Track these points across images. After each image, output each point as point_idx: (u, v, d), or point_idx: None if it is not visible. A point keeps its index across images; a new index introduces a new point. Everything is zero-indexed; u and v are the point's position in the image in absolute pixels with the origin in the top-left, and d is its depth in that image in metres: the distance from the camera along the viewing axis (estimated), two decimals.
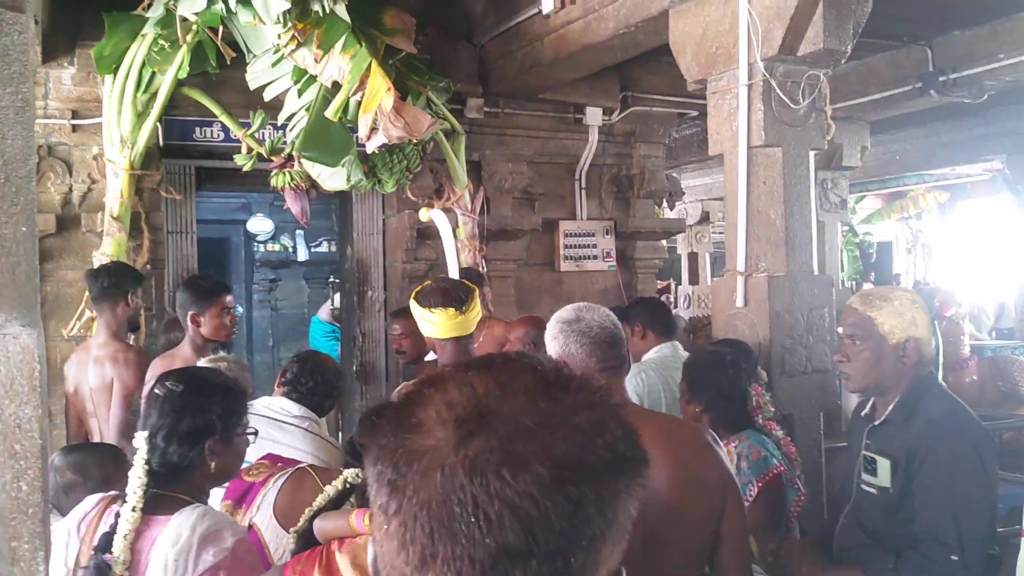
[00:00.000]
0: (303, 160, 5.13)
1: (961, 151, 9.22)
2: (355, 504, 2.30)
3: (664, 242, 7.58)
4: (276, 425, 3.08)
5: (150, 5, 4.73)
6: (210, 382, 2.24)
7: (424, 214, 5.84)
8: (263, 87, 5.02)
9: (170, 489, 2.06)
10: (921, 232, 15.27)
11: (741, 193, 3.96)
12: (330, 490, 2.37)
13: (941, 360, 5.96)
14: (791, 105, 3.90)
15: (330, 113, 4.67)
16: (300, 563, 2.01)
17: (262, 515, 2.54)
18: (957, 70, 6.06)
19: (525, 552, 0.72)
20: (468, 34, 6.19)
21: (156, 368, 3.82)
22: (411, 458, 0.77)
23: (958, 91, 6.19)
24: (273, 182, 5.30)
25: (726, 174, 4.13)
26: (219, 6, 4.37)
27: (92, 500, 2.13)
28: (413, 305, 3.26)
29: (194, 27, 4.63)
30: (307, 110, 4.92)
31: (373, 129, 4.53)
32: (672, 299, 10.77)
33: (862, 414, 2.73)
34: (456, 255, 5.74)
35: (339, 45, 4.49)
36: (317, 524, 2.22)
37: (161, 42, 4.71)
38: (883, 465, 2.47)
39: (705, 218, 10.79)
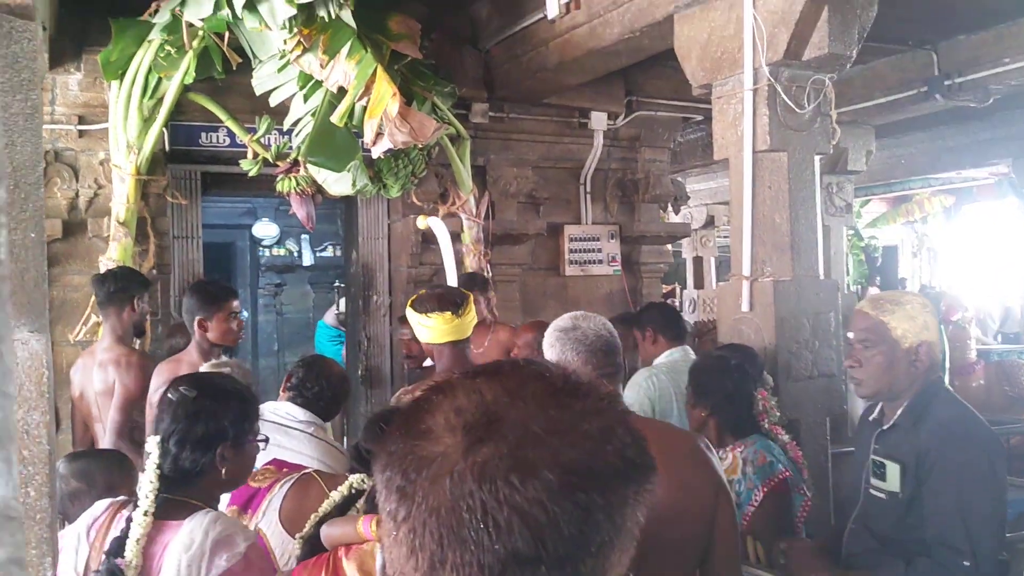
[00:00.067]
0: (309, 165, 5.14)
1: (967, 155, 9.21)
2: (361, 510, 2.31)
3: (669, 246, 7.57)
4: (281, 430, 3.07)
5: (156, 11, 4.74)
6: (223, 388, 2.24)
7: (422, 222, 5.84)
8: (269, 92, 5.03)
9: (181, 494, 2.06)
10: (927, 236, 15.26)
11: (746, 198, 3.96)
12: (336, 496, 2.37)
13: (948, 364, 5.95)
14: (796, 110, 3.90)
15: (336, 118, 4.68)
16: (307, 569, 2.01)
17: (268, 520, 2.54)
18: (963, 74, 6.05)
19: (534, 558, 0.72)
20: (473, 39, 6.19)
21: (162, 372, 3.83)
22: (420, 464, 0.77)
23: (963, 95, 6.18)
24: (279, 187, 5.31)
25: (731, 179, 4.13)
26: (225, 12, 4.38)
27: (102, 505, 2.13)
28: (410, 312, 3.31)
29: (200, 33, 4.64)
30: (313, 115, 4.93)
31: (379, 134, 4.54)
32: (677, 303, 10.76)
33: (870, 419, 2.71)
34: (455, 263, 5.74)
35: (345, 50, 4.50)
36: (324, 530, 2.22)
37: (167, 48, 4.73)
38: (892, 469, 2.46)
39: (710, 222, 10.79)
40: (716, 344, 4.18)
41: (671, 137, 7.15)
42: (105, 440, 3.89)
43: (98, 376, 4.01)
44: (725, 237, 10.00)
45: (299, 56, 4.56)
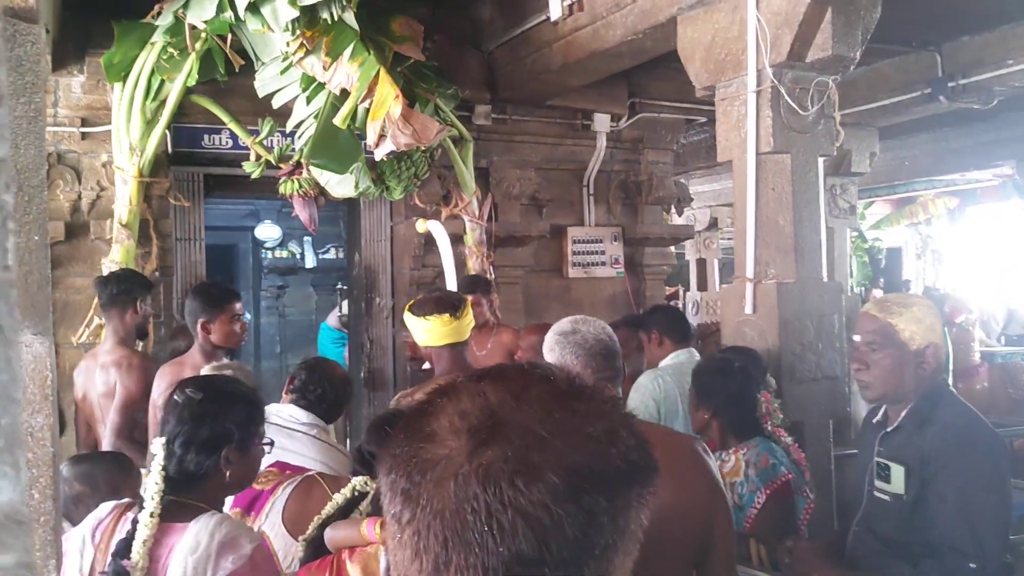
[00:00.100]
0: (311, 167, 5.14)
1: (971, 157, 9.19)
2: (364, 512, 2.30)
3: (672, 248, 7.56)
4: (284, 432, 3.07)
5: (159, 13, 4.75)
6: (229, 391, 2.24)
7: (421, 225, 5.85)
8: (272, 94, 5.03)
9: (186, 496, 2.06)
10: (931, 238, 15.24)
11: (750, 200, 3.95)
12: (339, 498, 2.37)
13: (952, 367, 5.94)
14: (800, 111, 3.89)
15: (338, 120, 4.68)
16: (311, 572, 2.01)
17: (271, 523, 2.54)
18: (966, 76, 6.04)
19: (538, 561, 0.73)
20: (476, 41, 6.19)
21: (165, 375, 3.83)
22: (424, 467, 0.78)
23: (967, 97, 6.17)
24: (282, 189, 5.31)
25: (735, 181, 4.12)
26: (228, 14, 4.39)
27: (107, 507, 2.13)
28: (408, 317, 3.36)
29: (203, 35, 4.64)
30: (315, 117, 4.93)
31: (381, 136, 4.54)
32: (681, 305, 10.75)
33: (873, 421, 2.71)
34: (454, 266, 5.74)
35: (347, 52, 4.50)
36: (328, 533, 2.21)
37: (170, 50, 4.73)
38: (897, 471, 2.45)
39: (713, 224, 10.78)
40: (719, 346, 4.17)
41: (674, 139, 7.14)
42: (104, 441, 3.90)
43: (100, 378, 4.02)
44: (728, 239, 9.99)
45: (302, 58, 4.56)
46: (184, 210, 5.46)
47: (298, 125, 5.09)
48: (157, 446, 2.09)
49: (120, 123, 4.89)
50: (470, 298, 4.96)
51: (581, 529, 0.74)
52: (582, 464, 0.76)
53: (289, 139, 5.32)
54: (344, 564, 1.95)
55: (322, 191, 5.37)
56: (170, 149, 5.27)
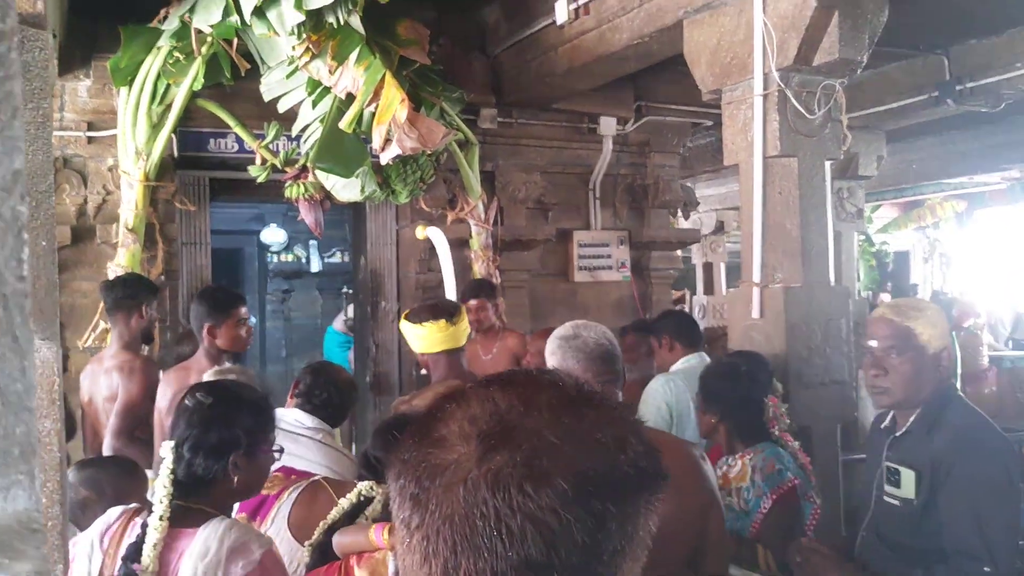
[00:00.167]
0: (317, 171, 5.14)
1: (978, 160, 9.17)
2: (370, 517, 2.30)
3: (679, 252, 7.54)
4: (290, 437, 3.07)
5: (165, 18, 4.76)
6: (239, 397, 2.23)
7: (420, 232, 5.84)
8: (277, 98, 5.04)
9: (195, 501, 2.05)
10: (938, 241, 15.19)
11: (757, 204, 3.94)
12: (344, 503, 2.36)
13: (960, 371, 5.91)
14: (807, 115, 3.88)
15: (344, 124, 4.68)
16: None
17: (276, 528, 2.53)
18: (974, 79, 6.02)
19: (547, 566, 0.73)
20: (482, 45, 6.20)
21: (170, 380, 3.83)
22: (434, 472, 0.78)
23: (975, 100, 6.15)
24: (287, 193, 5.31)
25: (741, 185, 4.11)
26: (234, 18, 4.39)
27: (115, 512, 2.13)
28: (404, 325, 3.43)
29: (209, 39, 4.65)
30: (321, 121, 4.93)
31: (387, 140, 4.54)
32: (687, 309, 10.74)
33: (881, 426, 2.68)
34: (453, 273, 5.73)
35: (353, 57, 4.50)
36: (336, 538, 2.21)
37: (176, 54, 4.74)
38: (907, 476, 2.44)
39: (720, 228, 10.76)
40: (726, 351, 4.17)
41: (680, 142, 7.13)
42: (104, 443, 3.90)
43: (104, 382, 4.03)
44: (735, 242, 9.98)
45: (308, 62, 4.56)
46: (190, 214, 5.46)
47: (304, 129, 5.10)
48: (166, 450, 2.09)
49: (126, 127, 4.90)
50: (475, 302, 5.01)
51: (590, 534, 0.74)
52: (591, 469, 0.76)
53: (295, 143, 5.32)
54: (352, 570, 1.95)
55: (328, 195, 5.37)
56: (176, 153, 5.28)
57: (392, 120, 4.45)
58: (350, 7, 4.30)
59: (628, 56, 5.03)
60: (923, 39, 6.00)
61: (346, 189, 5.32)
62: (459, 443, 0.78)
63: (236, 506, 2.62)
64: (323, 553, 2.34)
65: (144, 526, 1.99)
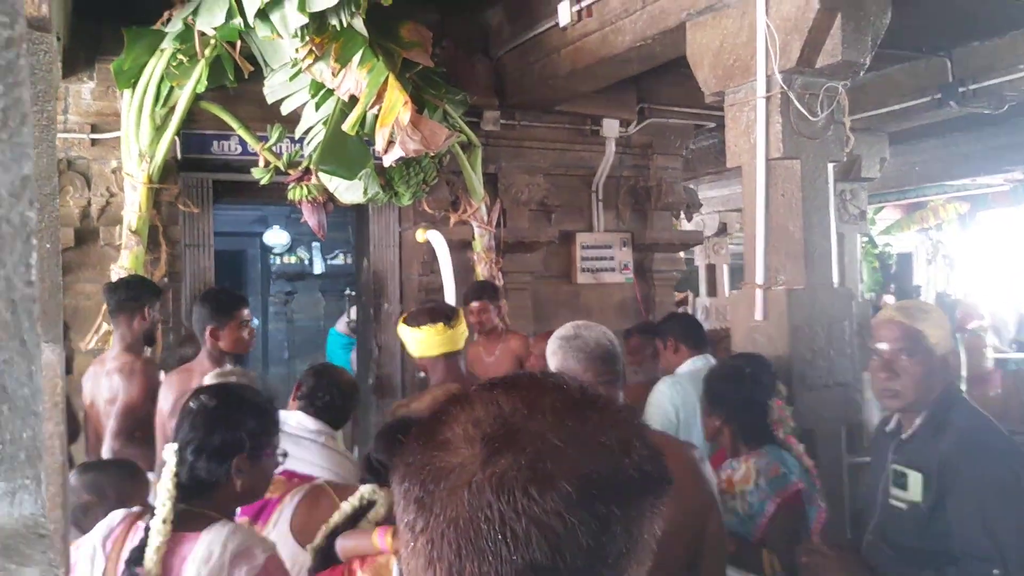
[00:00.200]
0: (320, 173, 5.15)
1: (981, 161, 9.16)
2: (372, 521, 2.29)
3: (682, 254, 7.54)
4: (292, 440, 3.06)
5: (169, 20, 4.77)
6: (244, 400, 2.23)
7: (420, 235, 5.84)
8: (280, 101, 5.04)
9: (197, 504, 2.05)
10: (941, 243, 15.15)
11: (759, 206, 3.93)
12: (347, 507, 2.36)
13: (964, 373, 5.90)
14: (809, 117, 3.87)
15: (347, 127, 4.68)
16: None
17: (279, 531, 2.53)
18: (977, 81, 6.01)
19: (551, 569, 0.73)
20: (485, 47, 6.20)
21: (172, 382, 3.83)
22: (438, 476, 0.78)
23: (978, 102, 6.15)
24: (290, 195, 5.32)
25: (744, 187, 4.10)
26: (237, 20, 4.39)
27: (117, 515, 2.12)
28: (402, 329, 3.44)
29: (212, 41, 4.66)
30: (324, 124, 4.94)
31: (390, 142, 4.54)
32: (690, 311, 10.72)
33: (886, 430, 2.67)
34: (453, 276, 5.73)
35: (356, 59, 4.51)
36: (339, 542, 2.21)
37: (179, 56, 4.75)
38: (914, 479, 2.42)
39: (723, 230, 10.75)
40: (729, 353, 4.16)
41: (683, 144, 7.13)
42: (104, 444, 3.90)
43: (105, 384, 4.03)
44: (738, 244, 9.97)
45: (311, 64, 4.56)
46: (193, 216, 5.46)
47: (307, 131, 5.10)
48: (169, 452, 2.08)
49: (130, 129, 4.90)
50: (477, 304, 5.01)
51: (594, 538, 0.74)
52: (595, 473, 0.76)
53: (298, 145, 5.33)
54: (355, 573, 1.95)
55: (331, 197, 5.38)
56: (179, 155, 5.28)
57: (395, 122, 4.45)
58: (353, 9, 4.30)
59: (631, 58, 5.03)
60: (926, 41, 6.00)
61: (349, 191, 5.32)
62: (463, 446, 0.78)
63: (238, 510, 2.62)
64: (325, 557, 2.34)
65: (147, 529, 1.98)
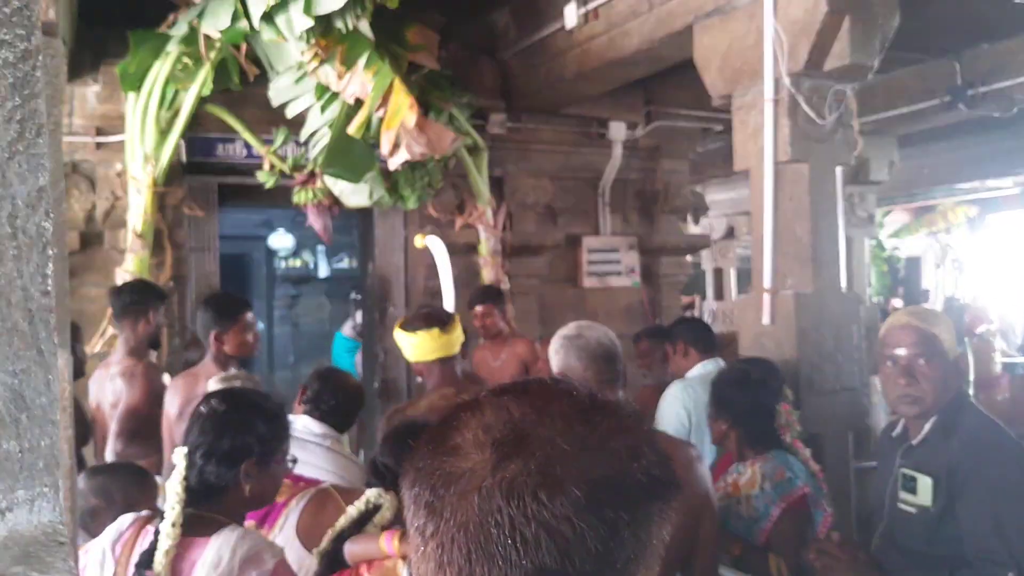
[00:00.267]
0: (325, 176, 5.14)
1: (991, 164, 9.14)
2: (378, 525, 2.28)
3: (689, 257, 7.52)
4: (298, 444, 3.04)
5: (174, 23, 4.77)
6: (254, 405, 2.22)
7: (419, 241, 5.84)
8: (286, 104, 5.04)
9: (206, 509, 2.04)
10: (950, 247, 15.11)
11: (767, 210, 3.92)
12: (353, 511, 2.35)
13: (972, 377, 5.87)
14: (817, 120, 3.86)
15: (353, 130, 4.68)
16: None
17: (285, 536, 2.52)
18: (986, 83, 6.01)
19: (561, 573, 0.73)
20: (491, 49, 6.19)
21: (178, 386, 3.82)
22: (448, 480, 0.79)
23: (987, 105, 6.14)
24: (296, 199, 5.32)
25: (752, 190, 4.09)
26: (243, 23, 4.39)
27: (127, 519, 2.11)
28: (398, 333, 3.46)
29: (217, 44, 4.65)
30: (330, 127, 4.93)
31: (396, 146, 4.54)
32: (697, 315, 10.70)
33: (893, 435, 2.65)
34: (452, 282, 5.72)
35: (362, 62, 4.50)
36: (347, 547, 2.20)
37: (185, 59, 4.74)
38: (924, 483, 2.41)
39: (730, 233, 10.74)
40: (736, 356, 4.15)
41: (690, 147, 7.12)
42: (107, 447, 3.91)
43: (109, 388, 4.03)
44: (746, 247, 9.95)
45: (316, 67, 4.56)
46: (198, 220, 5.46)
47: (312, 134, 5.10)
48: (179, 456, 2.08)
49: (135, 133, 4.90)
50: (481, 308, 5.00)
51: (603, 542, 0.74)
52: (604, 478, 0.76)
53: (303, 148, 5.32)
54: None
55: (336, 200, 5.37)
56: (184, 159, 5.28)
57: (401, 125, 4.45)
58: (359, 12, 4.29)
59: (638, 61, 5.03)
60: (934, 43, 5.98)
61: (354, 194, 5.32)
62: (473, 451, 0.79)
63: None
64: (331, 561, 2.33)
65: (157, 533, 1.97)
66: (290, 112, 5.07)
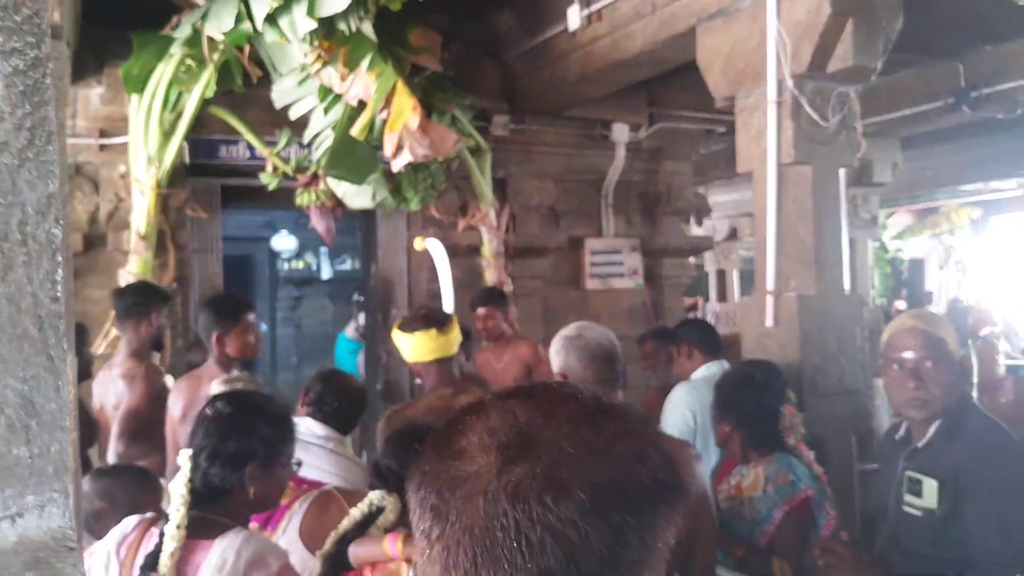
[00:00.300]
0: (328, 178, 5.14)
1: (994, 166, 9.13)
2: (381, 527, 2.28)
3: (692, 259, 7.51)
4: (301, 446, 3.04)
5: (178, 25, 4.77)
6: (259, 408, 2.22)
7: (419, 243, 5.83)
8: (289, 106, 5.05)
9: (211, 511, 2.04)
10: (954, 248, 15.10)
11: (770, 211, 3.91)
12: (356, 513, 2.35)
13: (976, 379, 5.86)
14: (821, 122, 3.85)
15: (356, 131, 4.68)
16: None
17: (288, 538, 2.52)
18: (989, 85, 6.00)
19: None
20: (494, 51, 6.19)
21: (181, 388, 3.82)
22: (454, 484, 0.79)
23: (990, 106, 6.13)
24: (299, 200, 5.32)
25: (755, 192, 4.09)
26: (246, 25, 4.40)
27: (131, 521, 2.11)
28: (396, 334, 3.46)
29: (221, 46, 4.66)
30: (333, 128, 4.94)
31: (399, 147, 4.54)
32: (700, 316, 10.69)
33: (896, 437, 2.64)
34: (451, 285, 5.72)
35: (365, 64, 4.51)
36: (352, 549, 2.20)
37: (188, 61, 4.75)
38: (930, 486, 2.40)
39: (733, 235, 10.74)
40: (739, 358, 4.14)
41: (693, 149, 7.12)
42: (109, 448, 3.91)
43: (111, 389, 4.04)
44: (749, 249, 9.94)
45: (319, 69, 4.56)
46: (201, 221, 5.46)
47: (315, 136, 5.10)
48: (184, 458, 2.08)
49: (138, 134, 4.91)
50: (484, 310, 5.00)
51: (608, 546, 0.74)
52: (610, 481, 0.76)
53: (306, 150, 5.33)
54: None
55: (339, 202, 5.37)
56: (187, 160, 5.28)
57: (404, 127, 4.45)
58: (362, 14, 4.30)
59: (641, 63, 5.02)
60: (938, 45, 5.97)
61: (357, 196, 5.32)
62: (479, 455, 0.79)
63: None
64: (335, 563, 2.33)
65: (161, 535, 1.97)
66: (293, 114, 5.07)
